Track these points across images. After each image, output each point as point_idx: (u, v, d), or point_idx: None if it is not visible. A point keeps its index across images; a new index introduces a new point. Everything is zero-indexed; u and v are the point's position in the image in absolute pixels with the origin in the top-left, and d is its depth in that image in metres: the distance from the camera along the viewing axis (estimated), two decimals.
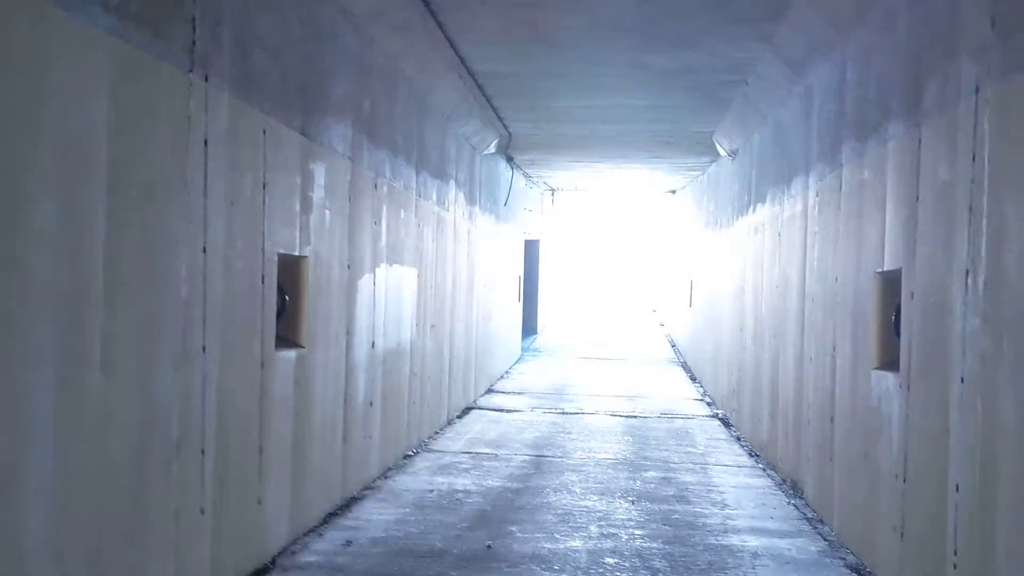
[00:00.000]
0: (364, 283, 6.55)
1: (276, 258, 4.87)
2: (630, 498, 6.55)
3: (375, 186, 6.76)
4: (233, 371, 4.38)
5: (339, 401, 6.07)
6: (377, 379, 6.99)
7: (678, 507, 6.32)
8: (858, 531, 5.28)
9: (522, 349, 17.57)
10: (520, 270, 16.68)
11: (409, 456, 7.91)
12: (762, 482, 7.30)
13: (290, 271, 5.23)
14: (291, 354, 5.19)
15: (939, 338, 4.05)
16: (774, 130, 8.42)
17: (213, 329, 4.13)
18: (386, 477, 7.05)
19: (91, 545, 3.26)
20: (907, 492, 4.41)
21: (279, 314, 5.10)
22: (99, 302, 3.24)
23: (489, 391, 12.60)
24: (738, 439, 9.41)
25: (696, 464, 7.95)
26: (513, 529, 5.63)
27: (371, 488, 6.64)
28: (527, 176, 16.92)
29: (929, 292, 4.23)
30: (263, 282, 4.71)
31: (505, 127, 11.17)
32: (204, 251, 4.03)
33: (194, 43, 3.86)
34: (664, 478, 7.30)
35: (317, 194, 5.51)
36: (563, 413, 10.76)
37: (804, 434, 6.72)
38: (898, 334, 4.71)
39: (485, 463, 7.70)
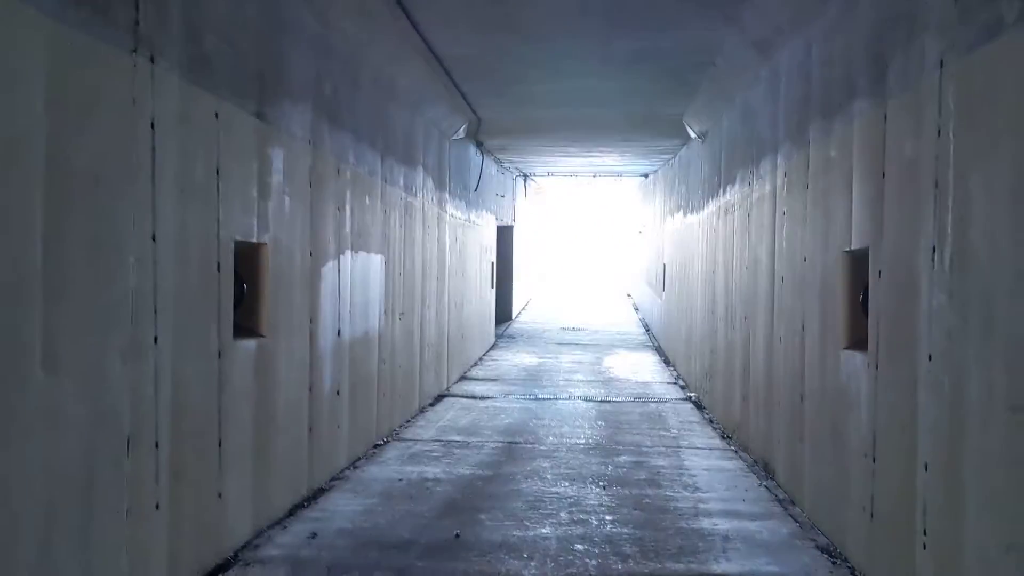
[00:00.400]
0: (328, 270, 6.43)
1: (232, 245, 4.75)
2: (601, 483, 6.49)
3: (338, 171, 6.63)
4: (189, 362, 4.27)
5: (304, 391, 5.96)
6: (344, 368, 6.89)
7: (649, 491, 6.28)
8: (828, 512, 5.25)
9: (496, 336, 17.49)
10: (493, 256, 16.58)
11: (379, 445, 7.82)
12: (734, 464, 7.27)
13: (248, 259, 5.11)
14: (251, 344, 5.07)
15: (906, 316, 4.01)
16: (742, 111, 8.37)
17: (166, 319, 4.01)
18: (355, 467, 6.95)
19: (39, 544, 3.14)
20: (876, 472, 4.38)
21: (237, 303, 4.98)
22: (38, 294, 3.12)
23: (462, 378, 12.52)
24: (711, 421, 9.39)
25: (668, 447, 7.92)
26: (482, 517, 5.56)
27: (339, 478, 6.55)
28: (499, 162, 16.81)
29: (896, 270, 4.18)
30: (219, 270, 4.59)
31: (474, 111, 11.05)
32: (154, 239, 3.90)
33: (138, 23, 3.72)
34: (636, 462, 7.25)
35: (276, 180, 5.39)
36: (536, 399, 10.70)
37: (775, 415, 6.69)
38: (866, 313, 4.67)
39: (456, 451, 7.62)
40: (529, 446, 7.89)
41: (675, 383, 12.44)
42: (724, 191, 9.40)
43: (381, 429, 8.09)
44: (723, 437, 8.51)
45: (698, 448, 7.94)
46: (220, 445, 4.64)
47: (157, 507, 3.98)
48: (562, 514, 5.66)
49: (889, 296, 4.27)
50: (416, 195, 9.47)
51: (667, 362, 14.68)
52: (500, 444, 7.95)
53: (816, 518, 5.49)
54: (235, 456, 4.84)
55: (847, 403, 4.88)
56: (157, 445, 3.97)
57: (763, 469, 7.00)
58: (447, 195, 11.41)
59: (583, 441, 8.15)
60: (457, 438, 8.19)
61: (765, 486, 6.49)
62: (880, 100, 4.42)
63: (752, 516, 5.70)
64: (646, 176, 20.60)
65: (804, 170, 5.91)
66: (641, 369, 13.90)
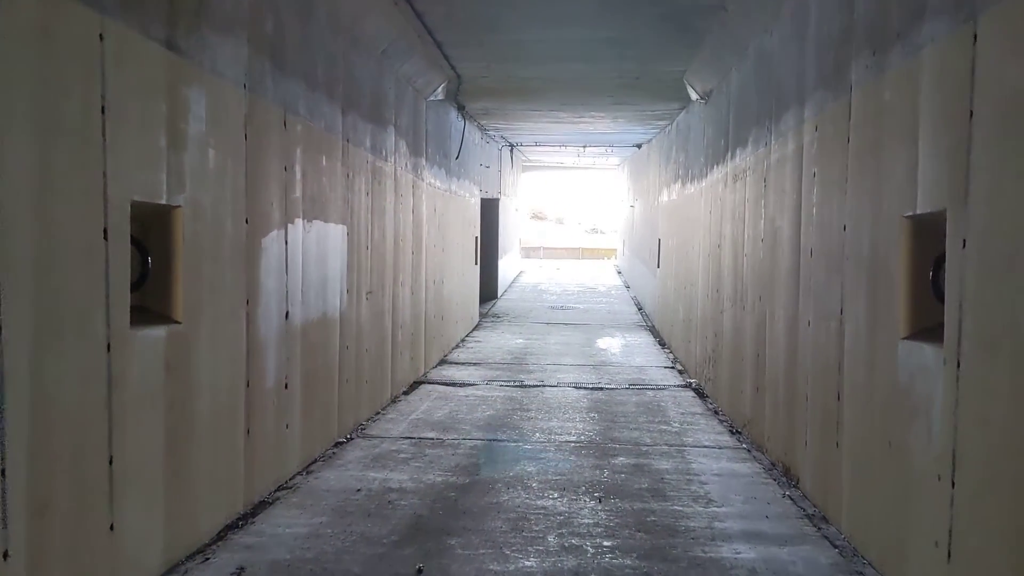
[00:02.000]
0: (271, 242, 5.38)
1: (128, 207, 3.70)
2: (597, 494, 5.50)
3: (284, 124, 5.57)
4: (56, 358, 3.23)
5: (238, 387, 4.93)
6: (295, 357, 5.86)
7: (654, 505, 5.28)
8: (880, 540, 4.27)
9: (480, 315, 16.48)
10: (477, 231, 15.53)
11: (341, 443, 6.80)
12: (749, 467, 6.29)
13: (155, 225, 4.07)
14: (159, 332, 4.03)
15: (1011, 298, 3.00)
16: (756, 62, 7.33)
17: (16, 302, 2.97)
18: (308, 472, 5.94)
19: None
20: (958, 499, 3.39)
21: (139, 282, 3.95)
22: None
23: (442, 362, 11.51)
24: (716, 413, 8.42)
25: (671, 446, 6.93)
26: (453, 543, 4.55)
27: (287, 488, 5.53)
28: (482, 129, 15.73)
29: (993, 237, 3.17)
30: (107, 238, 3.54)
31: (452, 67, 9.96)
32: None
33: None
34: (636, 465, 6.26)
35: (195, 128, 4.32)
36: (522, 386, 9.70)
37: (799, 412, 5.70)
38: (939, 295, 3.67)
39: (429, 451, 6.61)
40: (513, 444, 6.88)
41: (672, 367, 11.46)
42: (732, 155, 8.37)
43: (344, 424, 7.07)
44: (732, 432, 7.53)
45: (705, 447, 6.95)
46: (111, 463, 3.61)
47: (6, 557, 2.95)
48: (550, 538, 4.66)
49: (980, 272, 3.26)
50: (387, 159, 8.41)
51: (663, 344, 13.70)
52: (479, 442, 6.95)
53: (861, 544, 4.51)
54: (136, 475, 3.81)
55: (909, 407, 3.88)
56: (3, 473, 2.94)
57: (783, 474, 6.02)
58: (424, 162, 10.34)
59: (574, 438, 7.16)
60: (431, 435, 7.18)
61: (789, 496, 5.51)
62: (967, 15, 3.39)
63: (780, 539, 4.72)
64: (638, 147, 19.56)
65: (844, 120, 4.88)
66: (635, 351, 12.92)
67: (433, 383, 9.88)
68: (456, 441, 6.95)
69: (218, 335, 4.62)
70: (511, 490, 5.55)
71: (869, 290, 4.44)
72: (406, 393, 9.23)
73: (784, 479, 5.93)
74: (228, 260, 4.74)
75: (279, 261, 5.53)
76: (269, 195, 5.34)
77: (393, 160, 8.66)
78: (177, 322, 4.18)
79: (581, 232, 45.55)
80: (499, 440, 7.02)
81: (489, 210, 18.67)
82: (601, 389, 9.63)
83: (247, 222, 4.98)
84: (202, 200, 4.39)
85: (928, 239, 3.80)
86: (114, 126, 3.56)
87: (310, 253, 6.13)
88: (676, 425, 7.76)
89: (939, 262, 3.66)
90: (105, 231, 3.52)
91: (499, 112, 13.76)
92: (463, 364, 11.37)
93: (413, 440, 6.98)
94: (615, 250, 32.99)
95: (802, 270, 5.72)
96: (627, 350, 13.03)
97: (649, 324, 16.18)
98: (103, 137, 3.50)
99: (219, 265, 4.63)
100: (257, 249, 5.16)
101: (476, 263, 15.55)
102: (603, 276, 27.14)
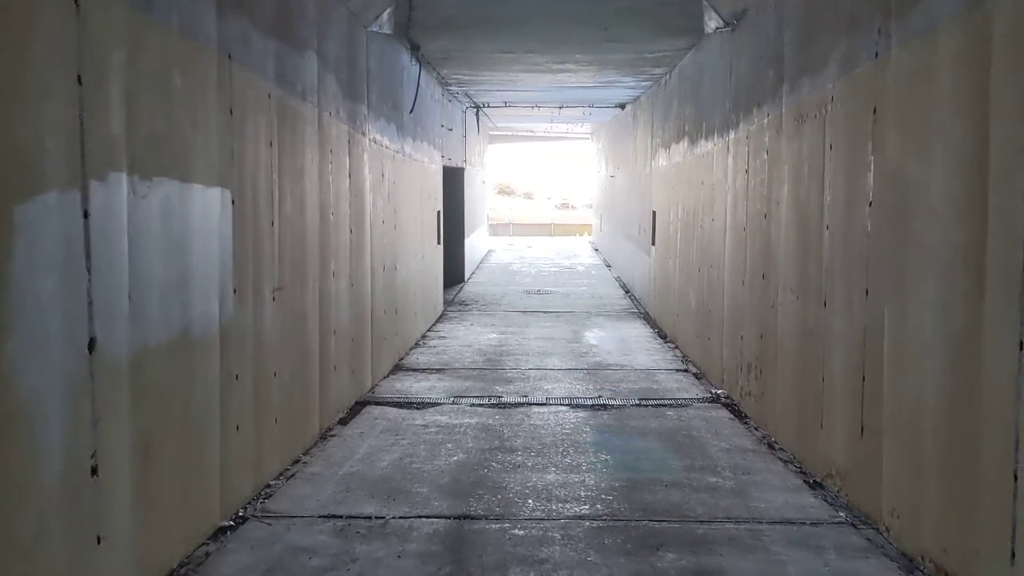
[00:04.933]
0: (44, 214, 2.87)
1: None
2: None
3: (76, 1, 3.05)
4: None
5: None
6: (116, 413, 3.37)
7: None
8: None
9: (445, 303, 14.00)
10: (439, 204, 13.02)
11: (225, 532, 4.34)
12: (878, 570, 3.91)
13: None
14: None
15: None
16: None
17: None
18: None
19: None
20: None
21: None
22: None
23: (396, 368, 9.03)
24: (771, 446, 6.06)
25: (738, 522, 4.53)
26: None
27: None
28: (444, 83, 13.19)
29: None
30: None
31: None
32: None
33: None
34: (697, 572, 3.86)
35: None
36: (500, 406, 7.27)
37: (991, 493, 3.34)
38: None
39: (360, 548, 4.15)
40: (495, 528, 4.43)
41: (685, 370, 9.09)
42: (792, 88, 5.96)
43: (234, 494, 4.60)
44: (810, 485, 5.17)
45: (789, 522, 4.56)
46: None
47: None
48: None
49: None
50: (306, 98, 5.89)
51: (663, 336, 11.33)
52: (442, 524, 4.49)
53: None
54: None
55: None
56: None
57: None
58: (366, 111, 7.81)
59: (587, 508, 4.74)
60: (368, 509, 4.71)
61: None
62: None
63: None
64: (622, 107, 17.14)
65: None
66: (633, 347, 10.53)
67: (382, 403, 7.41)
68: (406, 524, 4.48)
69: None
70: None
71: None
72: (343, 422, 6.76)
73: None
74: None
75: (68, 247, 3.02)
76: (36, 127, 2.82)
77: (316, 100, 6.13)
78: None
79: (551, 207, 43.23)
80: (473, 517, 4.58)
81: (453, 180, 16.17)
82: (605, 408, 7.23)
83: None
84: None
85: None
86: None
87: (150, 232, 3.63)
88: (728, 475, 5.37)
89: None
90: None
91: (462, 56, 11.20)
92: (423, 371, 8.90)
93: (339, 522, 4.50)
94: (590, 225, 30.68)
95: (992, 253, 3.32)
96: (624, 346, 10.63)
97: (642, 311, 13.80)
98: None
99: None
100: (5, 228, 2.66)
101: (439, 242, 13.06)
102: (580, 254, 24.76)
